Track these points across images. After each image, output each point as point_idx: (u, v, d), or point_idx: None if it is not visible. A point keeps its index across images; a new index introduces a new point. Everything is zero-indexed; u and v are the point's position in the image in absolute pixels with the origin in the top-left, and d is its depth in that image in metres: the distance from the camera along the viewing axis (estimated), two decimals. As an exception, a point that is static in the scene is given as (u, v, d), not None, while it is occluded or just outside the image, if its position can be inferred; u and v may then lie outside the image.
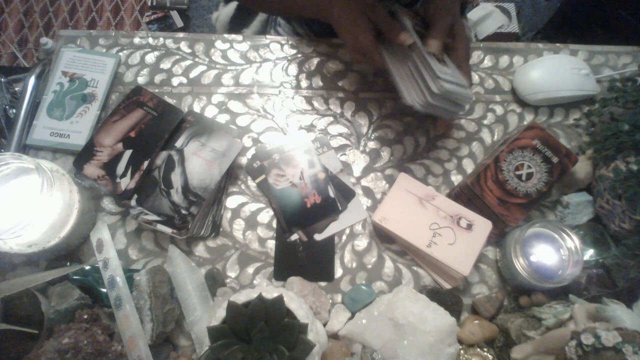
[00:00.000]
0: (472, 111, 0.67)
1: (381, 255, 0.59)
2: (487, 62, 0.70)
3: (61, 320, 0.51)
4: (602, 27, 1.27)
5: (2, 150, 0.64)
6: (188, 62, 0.68)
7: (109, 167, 0.56)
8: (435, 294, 0.55)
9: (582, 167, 0.60)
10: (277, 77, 0.68)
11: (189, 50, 0.68)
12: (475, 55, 0.70)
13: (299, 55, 0.69)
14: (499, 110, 0.67)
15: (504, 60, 0.70)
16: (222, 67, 0.68)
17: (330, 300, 0.57)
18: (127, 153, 0.56)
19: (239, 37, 0.70)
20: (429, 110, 0.54)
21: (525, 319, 0.52)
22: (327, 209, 0.59)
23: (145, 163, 0.56)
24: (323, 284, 0.58)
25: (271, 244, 0.59)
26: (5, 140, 0.65)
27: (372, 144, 0.65)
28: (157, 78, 0.66)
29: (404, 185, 0.58)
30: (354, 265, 0.59)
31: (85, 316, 0.51)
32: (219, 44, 0.69)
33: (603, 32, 1.27)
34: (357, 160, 0.64)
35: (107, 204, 0.60)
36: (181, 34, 0.69)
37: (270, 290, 0.45)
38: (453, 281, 0.56)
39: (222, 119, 0.65)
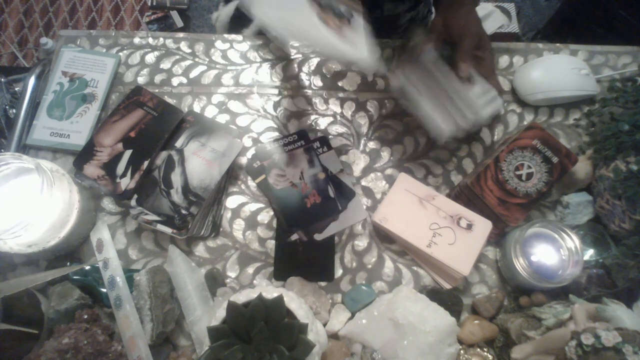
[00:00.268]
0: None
1: (381, 255, 0.59)
2: (487, 62, 0.70)
3: (61, 320, 0.51)
4: (602, 27, 1.27)
5: (2, 150, 0.64)
6: (188, 62, 0.68)
7: (109, 167, 0.56)
8: (435, 294, 0.55)
9: (582, 167, 0.60)
10: (277, 77, 0.68)
11: (189, 50, 0.68)
12: (475, 55, 0.70)
13: (299, 55, 0.69)
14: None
15: (504, 60, 0.70)
16: (222, 67, 0.68)
17: (330, 300, 0.57)
18: (127, 153, 0.56)
19: (239, 37, 0.70)
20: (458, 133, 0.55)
21: (525, 319, 0.52)
22: (327, 209, 0.59)
23: (145, 163, 0.56)
24: (323, 284, 0.58)
25: (271, 244, 0.59)
26: (5, 140, 0.65)
27: (372, 144, 0.65)
28: (157, 78, 0.66)
29: (404, 185, 0.58)
30: (354, 265, 0.59)
31: (85, 316, 0.51)
32: (219, 44, 0.69)
33: (603, 32, 1.27)
34: (357, 160, 0.64)
35: (107, 204, 0.60)
36: (181, 34, 0.69)
37: (270, 290, 0.45)
38: (453, 281, 0.56)
39: (222, 119, 0.65)
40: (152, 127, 0.58)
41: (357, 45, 0.50)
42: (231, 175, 0.62)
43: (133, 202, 0.54)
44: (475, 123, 0.54)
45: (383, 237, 0.60)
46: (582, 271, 0.54)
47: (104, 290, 0.54)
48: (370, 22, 0.74)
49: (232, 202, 0.61)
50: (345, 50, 0.48)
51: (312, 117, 0.65)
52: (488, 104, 0.54)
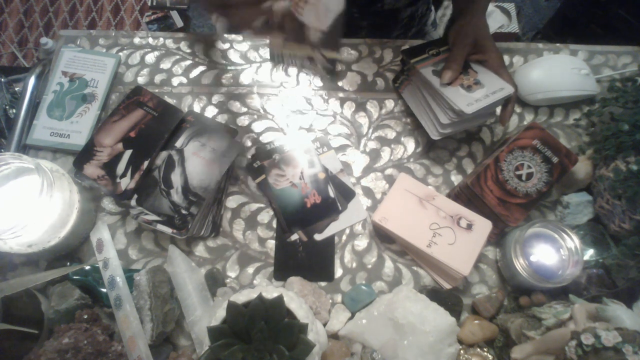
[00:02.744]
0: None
1: (381, 255, 0.59)
2: (487, 62, 0.70)
3: (61, 320, 0.51)
4: (602, 27, 1.27)
5: (2, 150, 0.64)
6: (188, 62, 0.68)
7: (109, 167, 0.56)
8: (435, 294, 0.55)
9: (582, 167, 0.60)
10: (277, 77, 0.67)
11: (189, 50, 0.68)
12: (475, 55, 0.70)
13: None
14: (499, 110, 0.67)
15: (504, 60, 0.70)
16: (222, 67, 0.68)
17: (330, 300, 0.57)
18: (127, 153, 0.56)
19: (239, 37, 0.70)
20: (450, 131, 0.58)
21: (525, 319, 0.52)
22: (327, 209, 0.59)
23: (145, 163, 0.56)
24: (323, 284, 0.58)
25: (271, 244, 0.59)
26: (5, 140, 0.65)
27: (372, 144, 0.64)
28: (157, 78, 0.66)
29: (404, 185, 0.58)
30: (354, 265, 0.58)
31: (85, 316, 0.51)
32: (219, 44, 0.69)
33: (603, 32, 1.27)
34: (357, 160, 0.64)
35: (107, 204, 0.60)
36: (181, 34, 0.69)
37: (270, 290, 0.45)
38: (453, 281, 0.56)
39: (222, 119, 0.65)
40: (152, 127, 0.58)
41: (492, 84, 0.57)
42: (231, 175, 0.62)
43: (133, 202, 0.54)
44: (461, 117, 0.55)
45: (383, 237, 0.60)
46: (582, 271, 0.54)
47: (104, 290, 0.54)
48: (370, 16, 0.75)
49: (232, 202, 0.61)
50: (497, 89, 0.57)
51: (312, 117, 0.65)
52: (500, 100, 0.56)
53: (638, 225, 0.53)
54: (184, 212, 0.54)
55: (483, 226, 0.55)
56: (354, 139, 0.65)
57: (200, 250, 0.58)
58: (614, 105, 0.61)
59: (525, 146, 0.57)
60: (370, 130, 0.65)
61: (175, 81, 0.66)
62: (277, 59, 0.67)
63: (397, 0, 0.72)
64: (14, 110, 0.73)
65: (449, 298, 0.55)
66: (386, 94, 0.67)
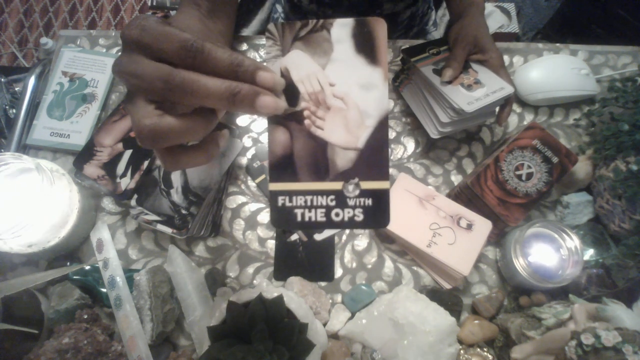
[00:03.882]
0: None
1: (381, 255, 0.59)
2: (487, 62, 0.70)
3: (61, 320, 0.51)
4: (602, 27, 1.27)
5: (2, 150, 0.64)
6: (188, 62, 0.67)
7: (109, 167, 0.56)
8: (435, 294, 0.55)
9: (582, 167, 0.60)
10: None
11: (189, 50, 0.68)
12: (475, 55, 0.70)
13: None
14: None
15: (504, 60, 0.70)
16: (222, 67, 0.68)
17: (330, 300, 0.57)
18: (127, 153, 0.56)
19: (239, 37, 0.69)
20: (449, 130, 0.58)
21: (525, 319, 0.52)
22: (327, 209, 0.59)
23: (146, 163, 0.56)
24: (323, 284, 0.58)
25: (271, 244, 0.59)
26: (5, 140, 0.65)
27: (372, 144, 0.64)
28: (157, 78, 0.66)
29: (404, 185, 0.58)
30: (354, 265, 0.58)
31: (85, 316, 0.51)
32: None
33: (603, 32, 1.27)
34: (357, 160, 0.64)
35: (107, 204, 0.60)
36: (181, 34, 0.69)
37: (270, 290, 0.45)
38: (453, 281, 0.56)
39: (222, 118, 0.64)
40: (152, 127, 0.58)
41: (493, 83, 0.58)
42: (231, 175, 0.62)
43: (133, 202, 0.54)
44: (461, 116, 0.55)
45: (383, 237, 0.60)
46: (582, 271, 0.54)
47: (104, 290, 0.54)
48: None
49: (232, 202, 0.61)
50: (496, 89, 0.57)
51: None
52: (500, 99, 0.56)
53: (638, 225, 0.53)
54: (184, 212, 0.54)
55: (483, 226, 0.55)
56: (354, 139, 0.64)
57: (200, 250, 0.58)
58: (614, 105, 0.61)
59: (525, 146, 0.57)
60: (370, 130, 0.65)
61: (175, 81, 0.66)
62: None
63: (395, 4, 0.72)
64: (14, 110, 0.73)
65: (449, 298, 0.55)
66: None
